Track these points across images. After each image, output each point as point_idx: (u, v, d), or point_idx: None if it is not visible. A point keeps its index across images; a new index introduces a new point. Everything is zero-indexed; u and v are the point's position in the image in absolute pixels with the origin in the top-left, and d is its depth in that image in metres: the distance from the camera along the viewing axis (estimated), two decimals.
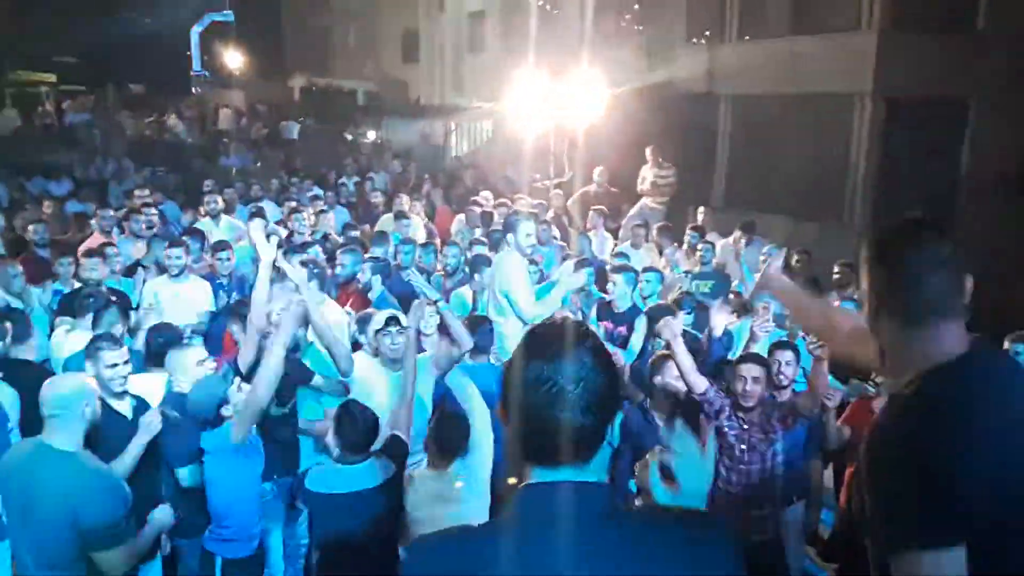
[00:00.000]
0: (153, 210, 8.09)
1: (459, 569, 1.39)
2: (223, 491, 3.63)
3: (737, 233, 8.42)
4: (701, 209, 9.85)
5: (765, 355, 4.50)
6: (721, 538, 1.46)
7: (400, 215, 8.75)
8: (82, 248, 6.84)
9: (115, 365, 3.85)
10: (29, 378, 4.00)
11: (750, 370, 4.12)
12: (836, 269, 7.83)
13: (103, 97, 20.63)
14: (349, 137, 18.96)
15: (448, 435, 3.83)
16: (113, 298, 5.19)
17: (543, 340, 1.44)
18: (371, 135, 18.92)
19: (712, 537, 1.46)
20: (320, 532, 3.62)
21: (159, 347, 4.39)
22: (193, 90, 22.27)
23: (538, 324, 1.50)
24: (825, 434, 4.58)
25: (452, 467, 3.80)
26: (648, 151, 10.81)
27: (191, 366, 4.03)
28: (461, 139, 18.71)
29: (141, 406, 3.95)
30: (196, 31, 24.26)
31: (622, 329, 5.86)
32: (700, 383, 4.15)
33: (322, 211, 8.78)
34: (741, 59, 12.11)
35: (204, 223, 8.38)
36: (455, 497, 3.72)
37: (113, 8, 22.34)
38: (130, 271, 6.65)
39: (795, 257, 7.97)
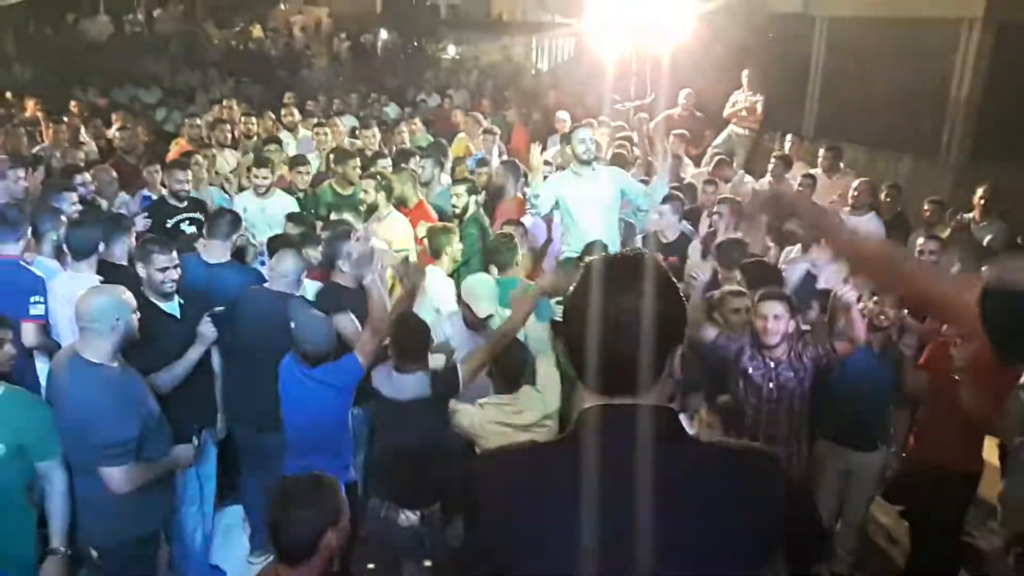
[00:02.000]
0: (241, 117, 8.23)
1: (526, 483, 1.45)
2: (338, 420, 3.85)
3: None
4: (789, 138, 9.49)
5: None
6: (774, 472, 1.49)
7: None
8: (170, 157, 7.06)
9: (165, 268, 4.03)
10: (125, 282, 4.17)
11: (772, 308, 4.07)
12: (926, 206, 7.51)
13: (191, 7, 20.82)
14: (429, 52, 18.78)
15: (508, 360, 3.86)
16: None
17: (608, 269, 1.44)
18: (451, 50, 18.68)
19: (765, 470, 1.48)
20: (375, 435, 3.82)
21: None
22: (281, 5, 22.19)
23: (605, 255, 1.50)
24: (902, 378, 4.48)
25: (520, 394, 3.82)
26: (744, 75, 10.38)
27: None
28: (542, 57, 18.31)
29: (189, 306, 4.15)
30: None
31: (673, 260, 5.82)
32: (706, 334, 4.24)
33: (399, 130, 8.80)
34: None
35: (283, 135, 8.50)
36: (522, 424, 3.75)
37: None
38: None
39: (883, 191, 7.66)
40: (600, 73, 12.23)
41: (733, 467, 1.46)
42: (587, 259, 4.28)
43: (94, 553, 3.36)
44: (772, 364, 4.11)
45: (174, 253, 4.14)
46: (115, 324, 3.27)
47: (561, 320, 1.50)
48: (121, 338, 3.31)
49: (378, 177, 5.94)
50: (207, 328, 4.05)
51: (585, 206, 5.81)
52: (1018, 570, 3.60)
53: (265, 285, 4.44)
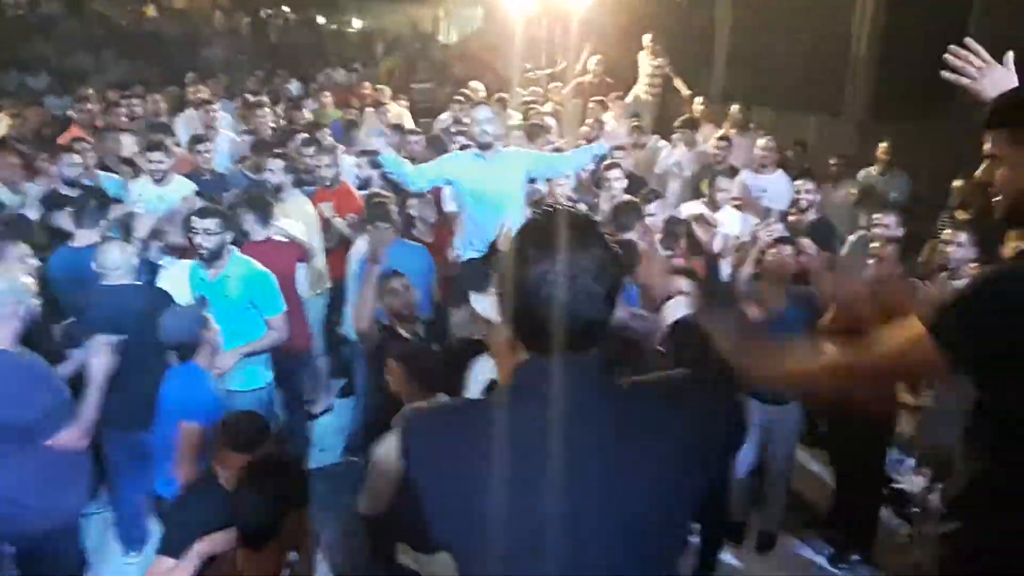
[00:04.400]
0: (135, 101, 7.86)
1: (454, 439, 1.40)
2: None
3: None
4: (699, 100, 9.62)
5: None
6: (702, 395, 1.49)
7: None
8: (59, 142, 6.69)
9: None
10: None
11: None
12: (832, 161, 7.74)
13: None
14: (334, 26, 18.32)
15: None
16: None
17: (541, 229, 1.39)
18: (356, 24, 18.29)
19: (709, 398, 1.49)
20: None
21: None
22: None
23: (537, 213, 1.45)
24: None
25: None
26: (646, 39, 10.45)
27: None
28: (451, 28, 18.12)
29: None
30: None
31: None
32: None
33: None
34: None
35: (184, 115, 8.15)
36: None
37: None
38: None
39: (790, 149, 7.86)
40: (510, 42, 12.21)
41: (672, 404, 1.44)
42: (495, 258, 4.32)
43: (9, 548, 3.33)
44: None
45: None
46: (16, 309, 3.20)
47: (499, 278, 1.46)
48: (22, 323, 3.25)
49: (286, 157, 5.76)
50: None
51: (487, 195, 5.20)
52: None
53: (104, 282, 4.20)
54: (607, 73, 10.57)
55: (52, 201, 5.43)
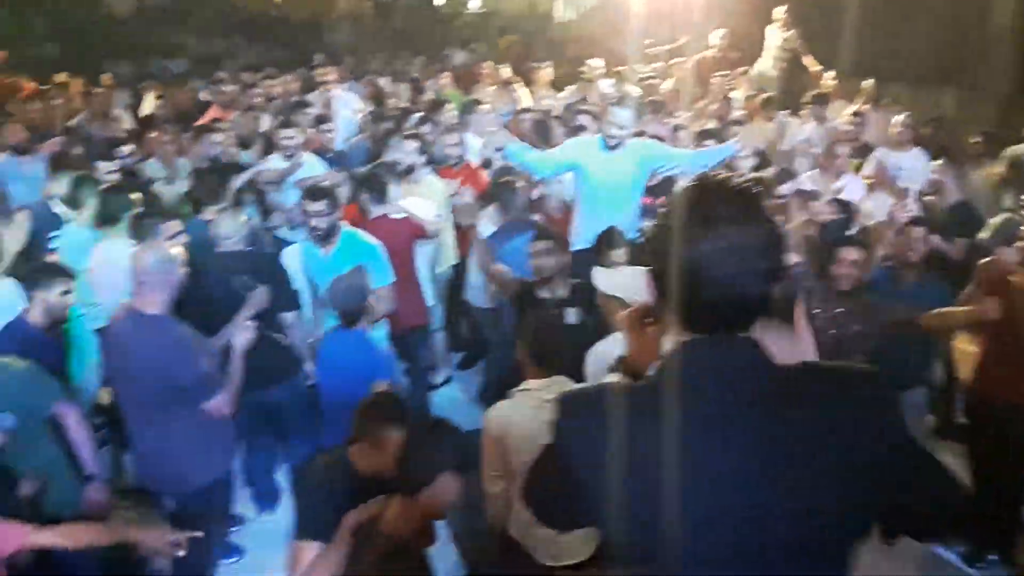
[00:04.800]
0: (273, 81, 8.21)
1: (615, 421, 1.34)
2: None
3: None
4: (830, 74, 9.22)
5: None
6: (880, 392, 1.37)
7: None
8: (200, 123, 7.09)
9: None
10: None
11: (849, 252, 3.99)
12: (975, 139, 7.27)
13: None
14: (451, 8, 18.49)
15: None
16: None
17: (704, 201, 1.32)
18: (473, 5, 18.39)
19: (871, 391, 1.36)
20: None
21: None
22: None
23: (698, 183, 1.36)
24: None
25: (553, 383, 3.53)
26: (778, 11, 10.04)
27: None
28: (568, 6, 17.94)
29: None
30: None
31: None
32: None
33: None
34: None
35: (312, 96, 8.44)
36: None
37: None
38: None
39: (927, 125, 7.43)
40: (628, 18, 12.00)
41: (835, 393, 1.35)
42: (605, 250, 4.29)
43: (169, 502, 3.54)
44: (836, 310, 3.99)
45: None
46: (167, 279, 3.42)
47: (652, 253, 1.39)
48: (173, 291, 3.46)
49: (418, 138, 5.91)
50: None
51: (608, 186, 5.20)
52: None
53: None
54: (732, 47, 10.25)
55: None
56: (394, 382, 4.07)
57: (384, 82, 9.32)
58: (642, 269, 3.82)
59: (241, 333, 3.71)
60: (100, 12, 16.71)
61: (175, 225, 4.44)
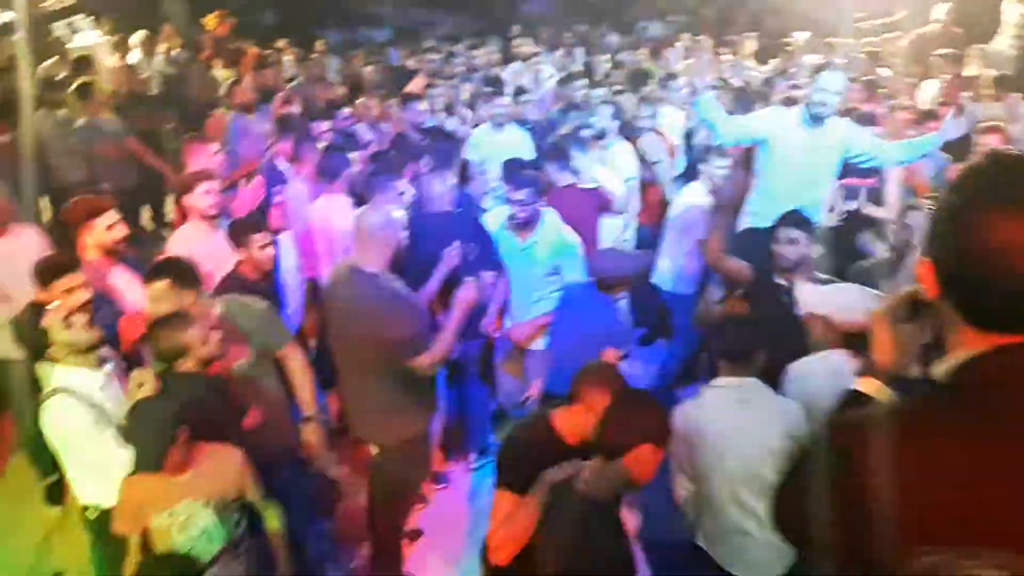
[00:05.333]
0: (476, 52, 8.45)
1: (908, 446, 1.19)
2: None
3: None
4: None
5: None
6: None
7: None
8: (406, 90, 7.39)
9: None
10: None
11: None
12: None
13: None
14: None
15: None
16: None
17: (1004, 181, 1.16)
18: None
19: None
20: None
21: None
22: None
23: (991, 159, 1.21)
24: None
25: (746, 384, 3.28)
26: None
27: None
28: None
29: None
30: None
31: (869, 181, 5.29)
32: None
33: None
34: None
35: (510, 67, 8.60)
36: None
37: None
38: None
39: None
40: None
41: None
42: (781, 231, 4.00)
43: (373, 449, 3.71)
44: None
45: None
46: (389, 238, 3.54)
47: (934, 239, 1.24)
48: (393, 250, 3.58)
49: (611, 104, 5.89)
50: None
51: (798, 167, 4.73)
52: None
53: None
54: (957, 23, 9.39)
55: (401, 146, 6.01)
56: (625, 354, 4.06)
57: (579, 52, 9.31)
58: (853, 286, 3.51)
59: (466, 290, 3.67)
60: None
61: (403, 184, 4.57)
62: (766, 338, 3.15)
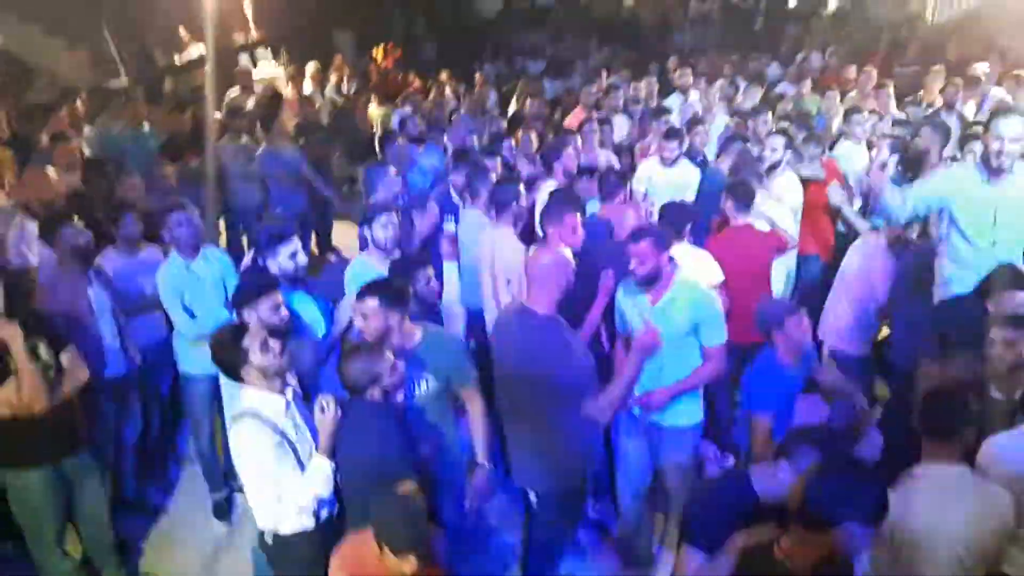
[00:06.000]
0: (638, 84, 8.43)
1: None
2: None
3: None
4: None
5: None
6: None
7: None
8: (568, 123, 7.45)
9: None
10: None
11: None
12: None
13: None
14: (806, 8, 17.58)
15: None
16: None
17: None
18: (832, 5, 17.31)
19: None
20: None
21: None
22: None
23: None
24: None
25: None
26: None
27: None
28: (941, 6, 16.19)
29: None
30: None
31: None
32: None
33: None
34: None
35: (671, 99, 8.48)
36: None
37: None
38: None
39: None
40: (1017, 17, 10.47)
41: None
42: (994, 300, 3.65)
43: (532, 496, 3.67)
44: None
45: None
46: (561, 279, 3.49)
47: None
48: (563, 291, 3.51)
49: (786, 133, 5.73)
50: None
51: (987, 228, 4.30)
52: None
53: None
54: None
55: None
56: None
57: (741, 83, 9.07)
58: None
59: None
60: (471, 15, 18.39)
61: (575, 220, 4.38)
62: (977, 413, 2.91)
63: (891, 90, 8.60)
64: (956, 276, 4.39)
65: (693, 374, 3.83)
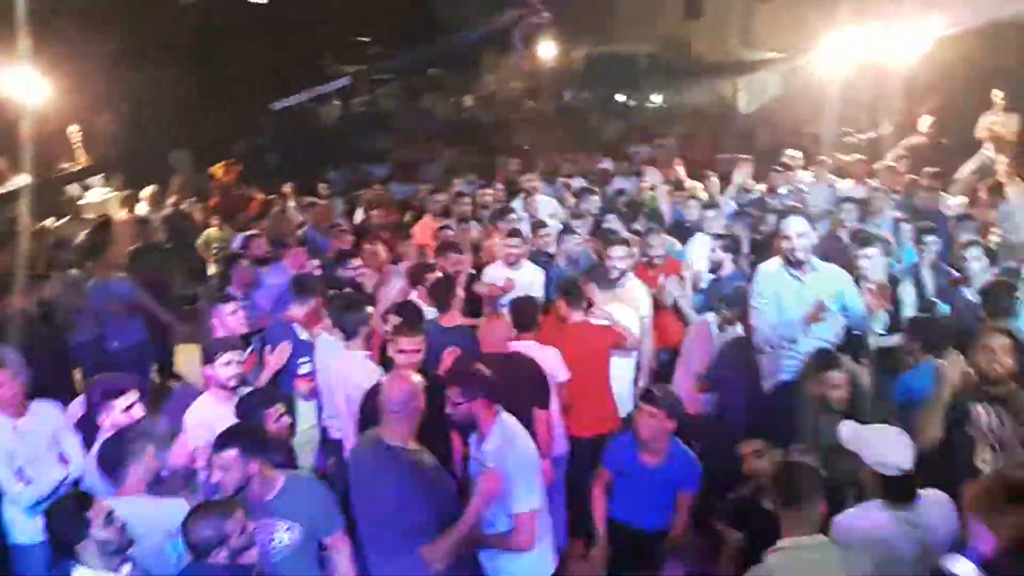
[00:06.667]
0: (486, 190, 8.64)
1: None
2: None
3: None
4: None
5: None
6: None
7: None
8: (418, 233, 7.51)
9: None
10: None
11: None
12: None
13: (409, 83, 22.25)
14: (633, 103, 18.82)
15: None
16: None
17: None
18: (656, 99, 18.62)
19: None
20: None
21: None
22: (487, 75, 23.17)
23: None
24: None
25: None
26: (995, 95, 9.44)
27: None
28: (751, 97, 17.78)
29: None
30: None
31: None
32: None
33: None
34: None
35: (516, 203, 8.68)
36: None
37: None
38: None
39: None
40: (819, 106, 11.68)
41: None
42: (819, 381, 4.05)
43: None
44: None
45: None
46: (415, 410, 3.44)
47: None
48: (417, 420, 3.47)
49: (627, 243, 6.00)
50: None
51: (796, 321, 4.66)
52: None
53: None
54: (942, 134, 9.70)
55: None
56: None
57: (577, 183, 9.46)
58: (892, 430, 3.51)
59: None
60: (314, 121, 18.44)
61: (420, 342, 4.40)
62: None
63: (715, 178, 9.30)
64: (779, 362, 4.73)
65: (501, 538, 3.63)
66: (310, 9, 17.69)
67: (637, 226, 7.34)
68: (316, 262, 6.67)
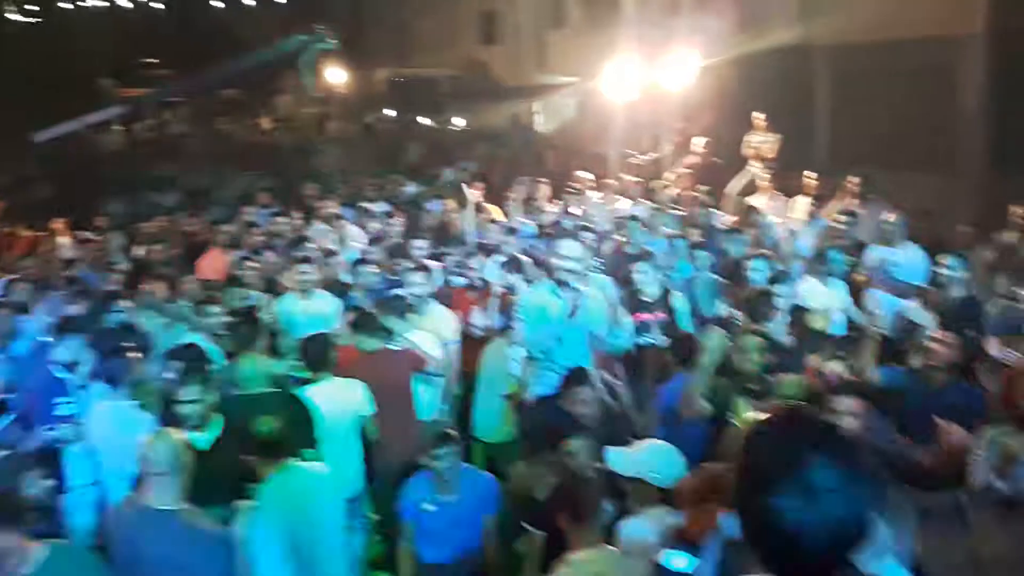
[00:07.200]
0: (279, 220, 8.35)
1: None
2: None
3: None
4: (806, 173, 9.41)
5: None
6: None
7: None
8: (203, 265, 7.10)
9: None
10: None
11: None
12: (961, 229, 7.45)
13: (199, 107, 21.21)
14: (436, 125, 18.99)
15: None
16: None
17: (779, 444, 1.27)
18: (458, 122, 18.89)
19: None
20: None
21: None
22: (286, 96, 22.50)
23: (772, 421, 1.35)
24: None
25: None
26: (756, 116, 10.35)
27: None
28: (548, 118, 18.46)
29: None
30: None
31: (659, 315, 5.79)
32: None
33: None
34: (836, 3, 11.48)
35: (316, 230, 8.42)
36: None
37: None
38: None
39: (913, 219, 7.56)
40: (607, 129, 12.33)
41: None
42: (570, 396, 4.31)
43: None
44: None
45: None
46: (179, 467, 3.22)
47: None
48: (183, 480, 3.25)
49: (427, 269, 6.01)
50: None
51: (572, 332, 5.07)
52: None
53: None
54: (714, 153, 10.52)
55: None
56: None
57: (379, 207, 9.35)
58: (658, 444, 3.73)
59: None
60: (89, 150, 17.04)
61: (197, 391, 4.16)
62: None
63: (514, 200, 9.50)
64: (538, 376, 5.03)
65: None
66: (90, 30, 16.48)
67: (445, 249, 7.37)
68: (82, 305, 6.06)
